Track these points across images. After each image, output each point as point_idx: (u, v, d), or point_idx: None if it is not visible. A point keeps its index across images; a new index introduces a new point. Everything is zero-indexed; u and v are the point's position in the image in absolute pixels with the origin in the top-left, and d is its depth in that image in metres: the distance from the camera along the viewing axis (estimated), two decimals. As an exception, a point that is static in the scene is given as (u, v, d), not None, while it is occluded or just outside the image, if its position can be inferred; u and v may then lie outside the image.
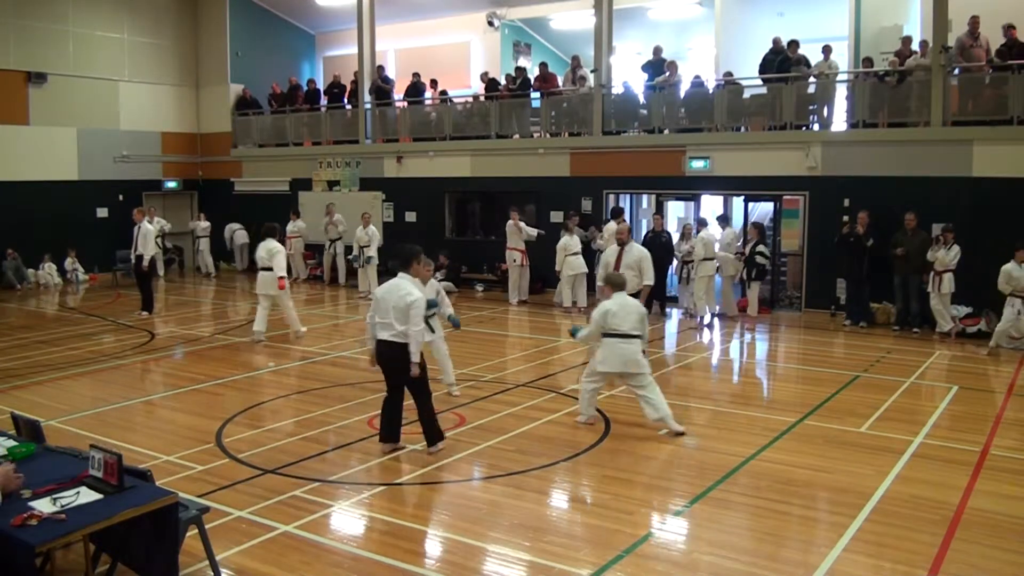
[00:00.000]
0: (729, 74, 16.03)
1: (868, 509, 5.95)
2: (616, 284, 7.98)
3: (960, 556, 5.21)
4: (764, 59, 15.67)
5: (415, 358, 6.92)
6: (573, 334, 8.37)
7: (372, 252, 16.84)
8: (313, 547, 5.41)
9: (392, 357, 7.01)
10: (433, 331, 8.71)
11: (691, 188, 16.20)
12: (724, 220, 14.97)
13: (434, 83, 19.33)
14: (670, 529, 5.77)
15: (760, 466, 6.94)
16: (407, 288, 7.04)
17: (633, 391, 7.86)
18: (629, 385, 7.89)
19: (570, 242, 15.13)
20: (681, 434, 7.72)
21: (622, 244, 11.11)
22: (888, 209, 13.52)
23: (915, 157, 13.64)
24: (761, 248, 13.92)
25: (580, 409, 8.13)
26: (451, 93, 19.39)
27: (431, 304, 8.37)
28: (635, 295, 10.95)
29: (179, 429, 8.05)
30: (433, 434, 7.21)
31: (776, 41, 15.56)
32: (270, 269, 12.18)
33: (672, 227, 18.54)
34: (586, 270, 15.24)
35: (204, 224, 21.13)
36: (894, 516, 5.83)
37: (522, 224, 16.06)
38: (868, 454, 7.20)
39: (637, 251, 11.02)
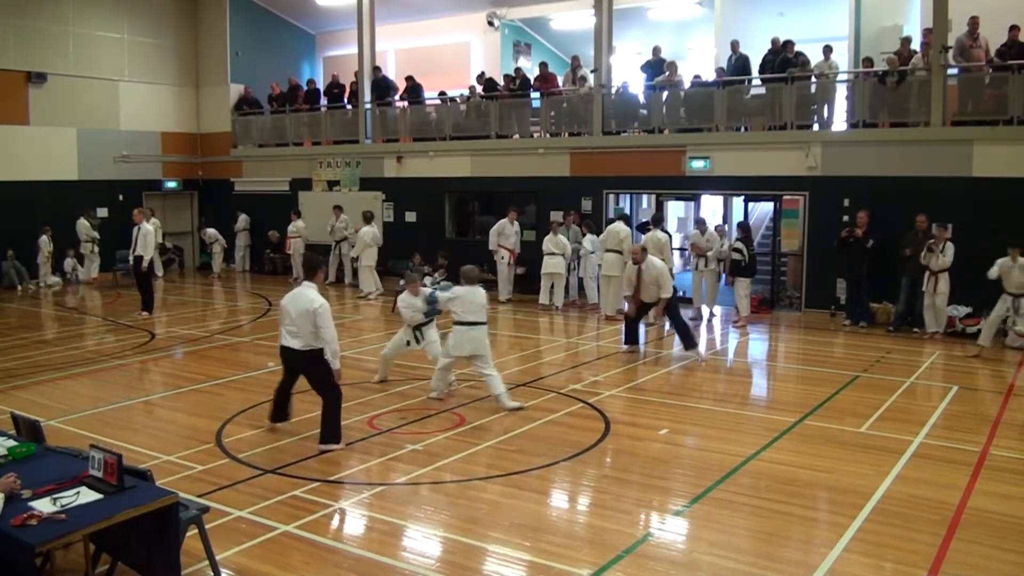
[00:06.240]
0: (721, 70, 16.01)
1: (868, 509, 5.95)
2: (469, 278, 8.93)
3: (960, 556, 5.21)
4: (764, 59, 15.68)
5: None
6: (432, 300, 9.18)
7: (355, 252, 17.17)
8: (313, 547, 5.41)
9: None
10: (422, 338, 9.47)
11: (691, 188, 16.20)
12: (701, 223, 15.00)
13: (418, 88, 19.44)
14: (670, 529, 5.77)
15: (760, 466, 6.94)
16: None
17: (477, 371, 8.83)
18: (475, 365, 8.82)
19: (551, 241, 15.22)
20: (519, 409, 8.51)
21: (638, 263, 11.13)
22: (888, 209, 13.52)
23: (915, 157, 13.64)
24: (738, 245, 13.90)
25: (432, 384, 9.05)
26: (450, 93, 19.38)
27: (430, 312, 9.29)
28: (654, 304, 11.11)
29: (179, 429, 8.05)
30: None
31: (775, 41, 15.57)
32: None
33: (672, 227, 18.59)
34: (562, 271, 15.32)
35: (211, 231, 21.24)
36: (894, 516, 5.83)
37: (517, 224, 16.24)
38: (868, 454, 7.20)
39: (654, 268, 11.11)
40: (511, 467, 6.89)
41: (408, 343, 9.51)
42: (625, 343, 11.71)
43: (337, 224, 18.77)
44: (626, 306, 12.63)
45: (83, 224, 19.13)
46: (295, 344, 7.22)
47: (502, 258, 16.24)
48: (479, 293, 8.85)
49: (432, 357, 9.45)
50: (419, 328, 9.43)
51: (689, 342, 11.25)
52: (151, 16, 21.59)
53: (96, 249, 19.34)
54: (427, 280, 14.88)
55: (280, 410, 7.84)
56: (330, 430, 7.30)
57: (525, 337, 13.23)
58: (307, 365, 7.32)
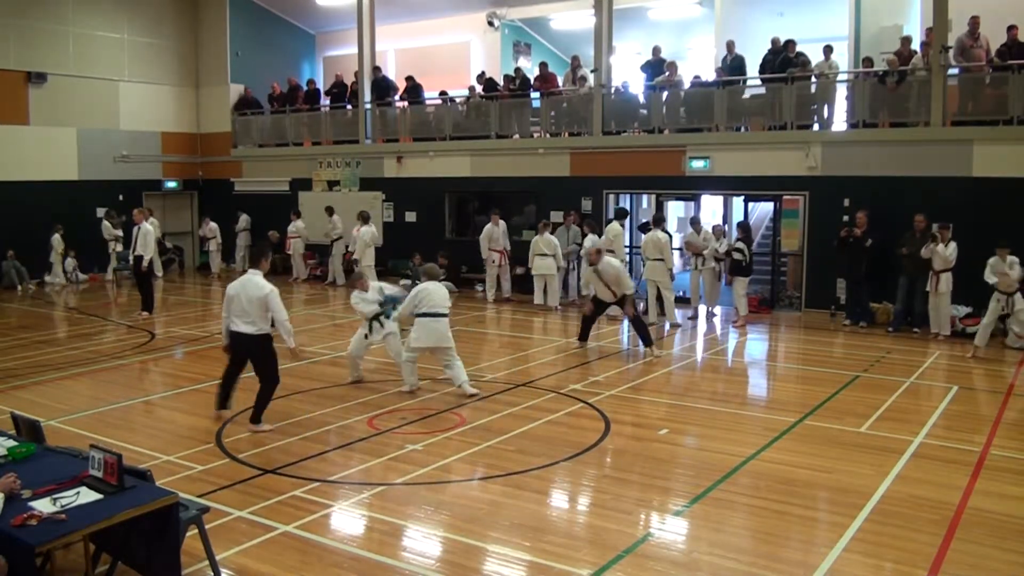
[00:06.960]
0: (721, 70, 16.01)
1: (868, 509, 5.95)
2: (431, 276, 9.35)
3: (960, 556, 5.21)
4: (764, 59, 15.68)
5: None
6: (393, 302, 9.52)
7: (357, 254, 17.16)
8: (313, 547, 5.41)
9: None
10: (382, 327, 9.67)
11: (691, 188, 16.19)
12: (695, 222, 15.02)
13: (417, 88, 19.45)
14: (670, 529, 5.77)
15: (760, 466, 6.94)
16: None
17: (441, 363, 9.19)
18: (439, 358, 9.16)
19: (541, 242, 15.24)
20: (474, 395, 8.95)
21: (593, 264, 11.25)
22: (888, 209, 13.52)
23: (915, 157, 13.64)
24: (739, 245, 13.90)
25: (403, 378, 9.32)
26: (451, 93, 19.38)
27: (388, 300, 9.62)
28: (620, 301, 11.21)
29: (179, 429, 8.05)
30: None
31: (775, 41, 15.57)
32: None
33: (673, 227, 18.57)
34: (554, 272, 15.36)
35: (212, 225, 21.25)
36: (894, 516, 5.83)
37: (503, 224, 16.44)
38: (868, 454, 7.20)
39: (612, 268, 11.31)
40: (511, 467, 6.89)
41: (367, 336, 9.63)
42: (578, 339, 11.90)
43: (328, 225, 18.85)
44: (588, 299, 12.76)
45: (106, 225, 19.47)
46: (248, 329, 7.63)
47: (493, 262, 16.33)
48: (441, 287, 9.24)
49: (394, 353, 9.61)
50: (376, 318, 9.57)
51: (646, 340, 11.38)
52: (151, 16, 21.59)
53: (120, 247, 19.58)
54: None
55: (226, 396, 8.14)
56: (259, 412, 7.87)
57: (524, 337, 13.23)
58: (256, 350, 7.77)
